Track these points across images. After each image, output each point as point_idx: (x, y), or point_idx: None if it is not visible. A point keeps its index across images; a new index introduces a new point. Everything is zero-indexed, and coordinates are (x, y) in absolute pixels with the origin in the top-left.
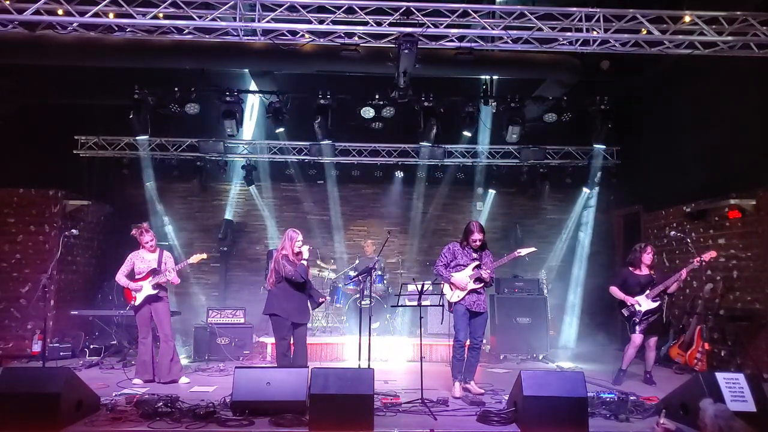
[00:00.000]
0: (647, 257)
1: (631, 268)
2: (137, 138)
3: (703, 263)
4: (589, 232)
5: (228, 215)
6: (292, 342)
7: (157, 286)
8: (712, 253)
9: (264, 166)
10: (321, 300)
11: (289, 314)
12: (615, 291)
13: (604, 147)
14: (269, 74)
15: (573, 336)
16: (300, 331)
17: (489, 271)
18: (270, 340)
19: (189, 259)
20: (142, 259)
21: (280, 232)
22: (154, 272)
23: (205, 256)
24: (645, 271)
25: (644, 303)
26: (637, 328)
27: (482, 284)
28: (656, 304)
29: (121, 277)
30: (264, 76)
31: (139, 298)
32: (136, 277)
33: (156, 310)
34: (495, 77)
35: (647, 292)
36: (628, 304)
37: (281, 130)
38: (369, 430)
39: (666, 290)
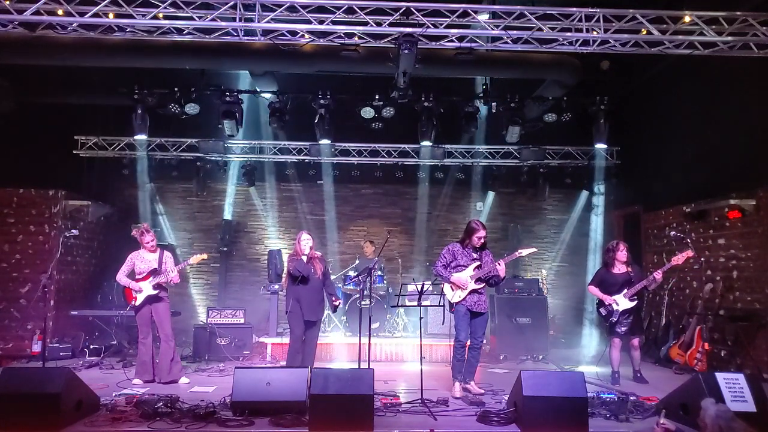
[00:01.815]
0: (621, 255)
1: (607, 268)
2: (136, 138)
3: (701, 262)
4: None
5: (227, 215)
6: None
7: (157, 286)
8: (689, 253)
9: (264, 166)
10: (335, 302)
11: (296, 310)
12: (593, 290)
13: (605, 147)
14: (269, 74)
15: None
16: (311, 330)
17: (503, 267)
18: (270, 340)
19: (189, 260)
20: (142, 259)
21: (280, 233)
22: (154, 272)
23: (205, 256)
24: (621, 269)
25: (622, 302)
26: (616, 329)
27: (483, 284)
28: (633, 303)
29: (121, 277)
30: (264, 76)
31: (140, 298)
32: (137, 277)
33: (156, 310)
34: (495, 77)
35: (625, 291)
36: (606, 303)
37: (280, 131)
38: (369, 431)
39: (646, 288)
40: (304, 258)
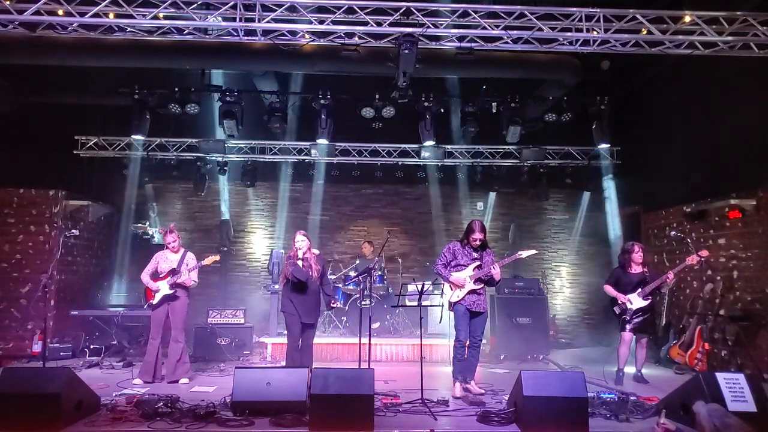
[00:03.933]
0: (637, 256)
1: (623, 269)
2: (135, 138)
3: (701, 262)
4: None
5: (227, 215)
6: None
7: (174, 285)
8: (703, 253)
9: (264, 167)
10: (333, 304)
11: (293, 312)
12: (609, 289)
13: (606, 147)
14: (269, 74)
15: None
16: (307, 332)
17: (497, 271)
18: (270, 340)
19: (202, 261)
20: (165, 259)
21: (280, 233)
22: (173, 272)
23: (218, 258)
24: (637, 269)
25: (636, 301)
26: (627, 326)
27: (482, 284)
28: (647, 302)
29: (144, 276)
30: (264, 76)
31: (158, 297)
32: (159, 276)
33: (173, 309)
34: (495, 77)
35: (639, 290)
36: (620, 301)
37: (280, 131)
38: (369, 431)
39: (659, 289)
40: (300, 262)
